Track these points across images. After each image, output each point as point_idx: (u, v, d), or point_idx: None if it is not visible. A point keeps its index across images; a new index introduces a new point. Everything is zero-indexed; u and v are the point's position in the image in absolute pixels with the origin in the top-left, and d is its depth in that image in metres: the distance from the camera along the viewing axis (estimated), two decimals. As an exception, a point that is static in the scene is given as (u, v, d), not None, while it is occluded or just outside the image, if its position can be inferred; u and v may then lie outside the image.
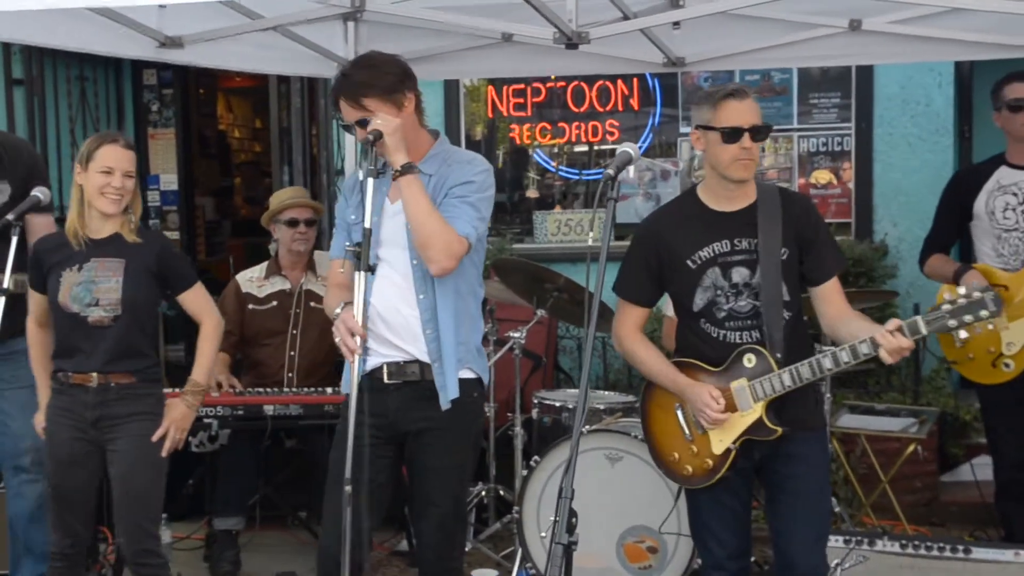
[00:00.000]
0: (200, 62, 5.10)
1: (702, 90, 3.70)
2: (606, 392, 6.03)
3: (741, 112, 3.60)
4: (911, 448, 5.65)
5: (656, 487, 4.73)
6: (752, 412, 3.63)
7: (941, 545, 4.50)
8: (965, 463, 6.50)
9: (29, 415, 4.64)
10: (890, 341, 3.42)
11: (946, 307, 3.41)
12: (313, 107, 7.72)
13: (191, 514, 6.12)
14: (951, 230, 5.29)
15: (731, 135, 3.59)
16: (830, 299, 3.74)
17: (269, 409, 5.29)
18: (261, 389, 5.50)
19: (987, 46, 4.94)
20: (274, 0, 4.62)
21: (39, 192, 4.17)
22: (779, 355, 3.61)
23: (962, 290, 3.41)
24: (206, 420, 5.27)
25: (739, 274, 3.67)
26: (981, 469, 6.21)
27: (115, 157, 4.11)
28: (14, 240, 3.95)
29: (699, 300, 3.70)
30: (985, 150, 7.19)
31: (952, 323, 3.41)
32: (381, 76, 3.64)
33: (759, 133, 3.62)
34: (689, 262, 3.69)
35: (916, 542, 4.53)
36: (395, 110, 3.64)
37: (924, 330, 3.44)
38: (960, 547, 4.48)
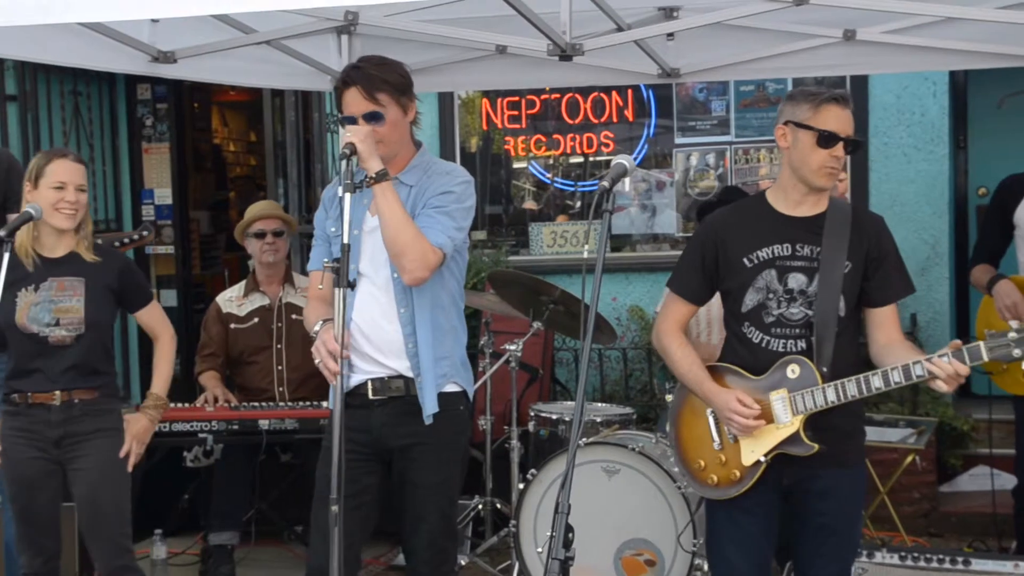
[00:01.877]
0: (193, 76, 5.09)
1: (801, 87, 3.58)
2: (602, 404, 6.01)
3: (841, 119, 3.47)
4: (909, 459, 5.64)
5: (654, 500, 4.72)
6: (789, 425, 3.48)
7: (940, 556, 4.47)
8: (964, 473, 6.49)
9: None
10: (945, 367, 3.27)
11: (1012, 335, 3.26)
12: (308, 120, 7.70)
13: (186, 529, 6.09)
14: (995, 239, 5.19)
15: (827, 140, 3.45)
16: (885, 325, 3.58)
17: (264, 423, 5.28)
18: (256, 404, 5.48)
19: (981, 55, 4.93)
20: (267, 14, 4.59)
21: (31, 208, 4.15)
22: (825, 369, 3.46)
23: (1015, 324, 3.31)
24: (201, 435, 5.26)
25: (795, 280, 3.52)
26: (978, 480, 6.21)
27: (67, 171, 4.10)
28: (6, 257, 3.92)
29: (749, 301, 3.56)
30: (980, 159, 7.23)
31: (1017, 352, 3.26)
32: (395, 75, 3.67)
33: (853, 146, 3.50)
34: (746, 260, 3.55)
35: (915, 553, 4.50)
36: (401, 112, 3.66)
37: (986, 356, 3.28)
38: (959, 558, 4.45)
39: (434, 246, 3.57)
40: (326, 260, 3.53)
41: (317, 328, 3.63)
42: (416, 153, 3.79)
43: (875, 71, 6.33)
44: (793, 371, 3.50)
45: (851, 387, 3.41)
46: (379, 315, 3.69)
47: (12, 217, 4.29)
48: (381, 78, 3.62)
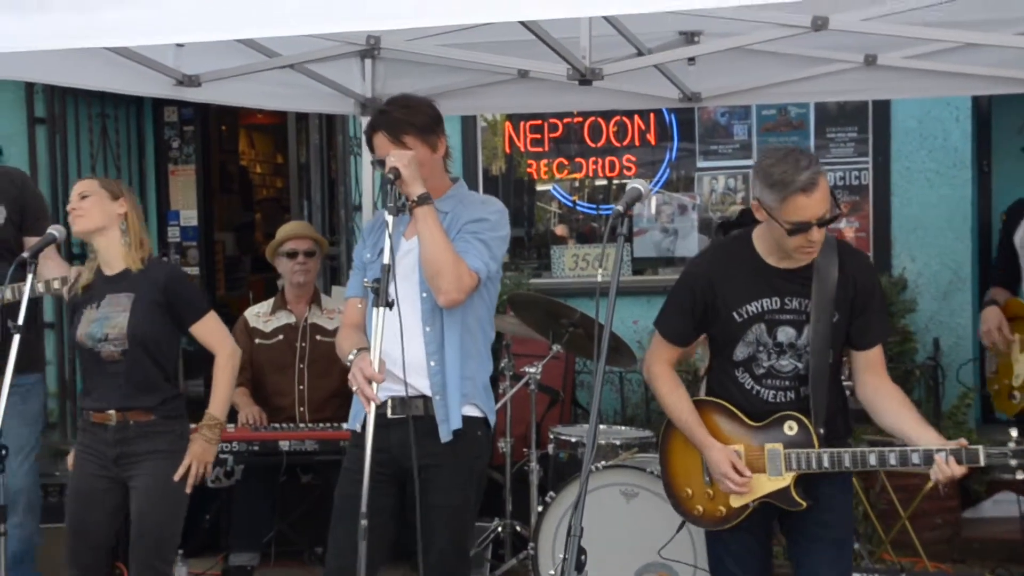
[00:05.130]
0: (217, 100, 5.14)
1: (768, 161, 3.43)
2: (623, 427, 6.01)
3: (809, 207, 3.37)
4: (931, 484, 5.58)
5: (672, 524, 4.68)
6: (781, 480, 3.54)
7: (960, 583, 4.46)
8: (987, 499, 6.44)
9: (25, 455, 4.64)
10: (944, 469, 3.33)
11: (1012, 445, 3.34)
12: (331, 143, 7.77)
13: (207, 550, 6.10)
14: (1006, 263, 5.21)
15: (797, 230, 3.40)
16: (872, 367, 3.63)
17: (285, 445, 5.31)
18: (276, 425, 5.51)
19: (1003, 80, 4.92)
20: (290, 38, 4.63)
21: (55, 230, 4.21)
22: (822, 431, 3.52)
23: (1015, 432, 3.34)
24: (222, 455, 5.28)
25: (785, 334, 3.56)
26: (1002, 506, 6.16)
27: (76, 187, 4.24)
28: (30, 278, 3.98)
29: (740, 353, 3.61)
30: (1004, 184, 7.20)
31: (1013, 463, 3.33)
32: (419, 115, 3.73)
33: (826, 223, 3.42)
34: (735, 314, 3.58)
35: (934, 579, 4.49)
36: (429, 151, 3.71)
37: (983, 461, 3.35)
38: (979, 585, 4.44)
39: (471, 269, 3.63)
40: (366, 280, 3.56)
41: (351, 357, 3.65)
42: (452, 186, 3.86)
43: (896, 96, 6.32)
44: (791, 428, 3.56)
45: (846, 459, 3.49)
46: (404, 334, 3.66)
47: (32, 241, 4.37)
48: (406, 121, 3.68)
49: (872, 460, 3.45)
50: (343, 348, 3.81)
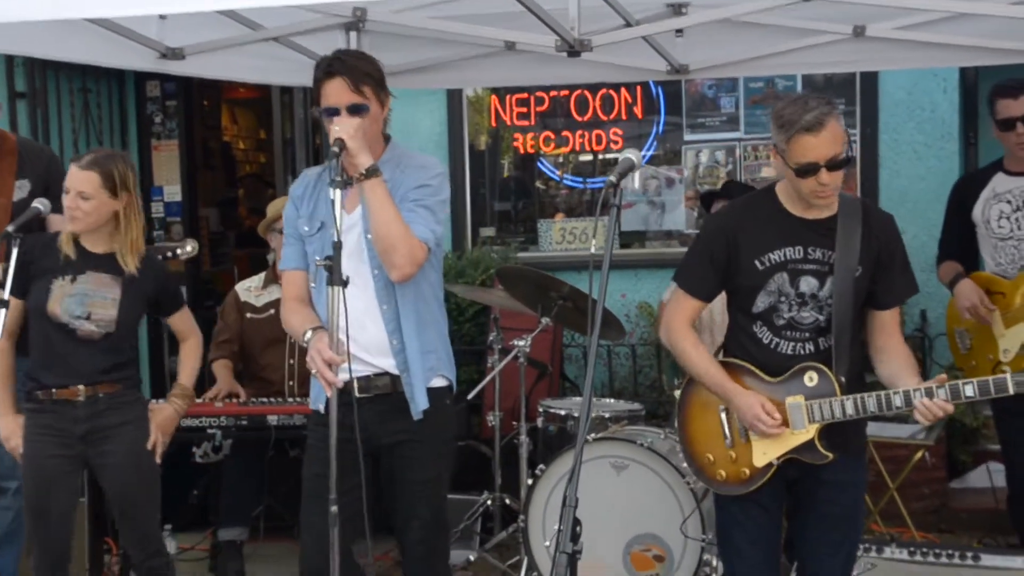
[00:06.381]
0: (201, 73, 5.10)
1: (779, 105, 3.44)
2: (611, 400, 6.02)
3: (816, 147, 3.34)
4: (919, 455, 5.63)
5: (662, 495, 4.72)
6: (804, 433, 3.50)
7: (950, 552, 4.48)
8: (974, 469, 6.48)
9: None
10: (929, 408, 3.35)
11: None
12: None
13: (196, 525, 6.11)
14: (957, 237, 5.22)
15: (804, 172, 3.39)
16: (887, 328, 3.61)
17: (273, 419, 5.29)
18: (265, 399, 5.50)
19: (992, 51, 4.92)
20: (275, 10, 4.60)
21: (39, 203, 4.16)
22: (843, 379, 3.48)
23: None
24: (210, 431, 5.27)
25: (807, 284, 3.52)
26: (992, 475, 6.19)
27: (72, 177, 4.07)
28: (14, 252, 3.93)
29: (760, 303, 3.56)
30: (991, 156, 7.13)
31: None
32: (376, 68, 3.66)
33: (837, 166, 3.39)
34: (757, 263, 3.53)
35: (924, 549, 4.51)
36: (379, 107, 3.63)
37: (1012, 390, 3.37)
38: (969, 554, 4.46)
39: (420, 241, 3.56)
40: (318, 259, 3.45)
41: (308, 337, 3.58)
42: (386, 147, 3.75)
43: (885, 67, 6.29)
44: (811, 379, 3.52)
45: (871, 403, 3.43)
46: (361, 313, 3.64)
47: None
48: (364, 71, 3.59)
49: (897, 401, 3.39)
50: (292, 325, 3.74)
